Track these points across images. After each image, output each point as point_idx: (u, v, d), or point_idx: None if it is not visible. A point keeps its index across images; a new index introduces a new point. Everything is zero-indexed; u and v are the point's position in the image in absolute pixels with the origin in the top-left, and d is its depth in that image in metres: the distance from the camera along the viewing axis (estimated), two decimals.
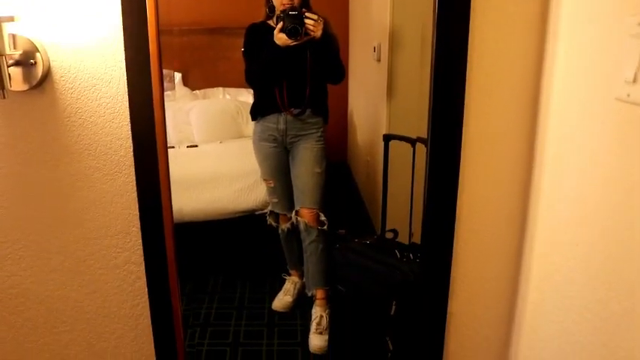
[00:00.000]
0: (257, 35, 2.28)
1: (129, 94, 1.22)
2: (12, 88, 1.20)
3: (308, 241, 2.42)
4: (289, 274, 2.64)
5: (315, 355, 2.23)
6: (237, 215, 2.65)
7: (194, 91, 3.43)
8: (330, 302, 2.39)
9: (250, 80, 2.39)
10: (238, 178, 2.73)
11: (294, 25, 2.11)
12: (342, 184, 3.68)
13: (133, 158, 1.26)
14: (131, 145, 1.26)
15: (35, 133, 1.28)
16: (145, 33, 1.18)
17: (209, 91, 3.63)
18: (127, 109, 1.24)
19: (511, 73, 1.24)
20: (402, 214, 2.21)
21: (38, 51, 1.21)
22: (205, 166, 2.79)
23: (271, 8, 2.23)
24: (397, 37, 2.59)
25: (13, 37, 1.19)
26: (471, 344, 1.48)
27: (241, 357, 2.22)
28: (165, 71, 2.86)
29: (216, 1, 3.78)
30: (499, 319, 1.44)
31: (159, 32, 1.20)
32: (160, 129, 1.24)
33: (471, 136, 1.27)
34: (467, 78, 1.22)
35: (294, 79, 2.32)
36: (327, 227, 2.40)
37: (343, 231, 2.84)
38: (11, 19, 1.14)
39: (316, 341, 2.30)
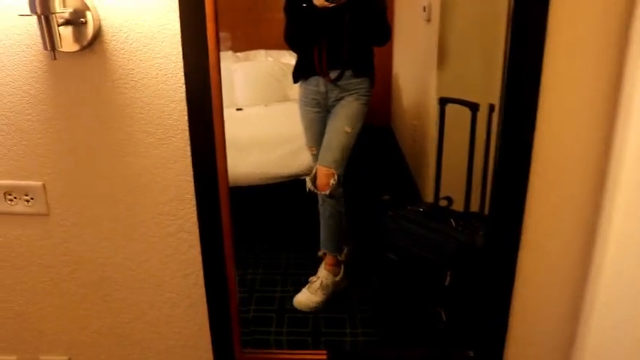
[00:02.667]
0: None
1: (183, 54, 1.15)
2: (62, 49, 1.14)
3: (320, 201, 2.35)
4: None
5: (358, 321, 2.18)
6: (282, 180, 2.60)
7: (236, 53, 3.36)
8: (380, 270, 2.34)
9: (287, 40, 2.30)
10: (283, 142, 2.66)
11: None
12: (386, 148, 3.59)
13: (187, 122, 1.21)
14: (185, 108, 1.20)
15: (86, 96, 1.23)
16: None
17: (251, 53, 3.55)
18: (182, 70, 1.17)
19: (595, 29, 1.13)
20: (454, 180, 2.12)
21: (88, 9, 1.14)
22: (250, 129, 2.72)
23: None
24: None
25: None
26: (536, 319, 1.40)
27: (288, 324, 2.19)
28: None
29: None
30: (568, 295, 1.36)
31: None
32: (216, 91, 1.17)
33: (547, 99, 1.17)
34: (547, 34, 1.12)
35: (333, 42, 2.22)
36: (332, 193, 2.28)
37: (387, 197, 2.77)
38: None
39: (302, 298, 2.27)
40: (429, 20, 2.68)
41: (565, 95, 1.17)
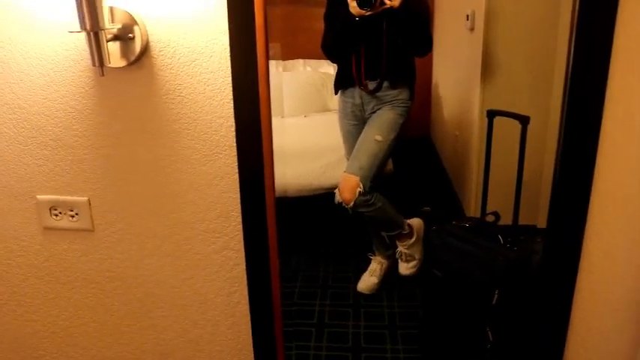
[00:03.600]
0: (339, 1, 2.11)
1: (232, 70, 1.13)
2: (110, 65, 1.13)
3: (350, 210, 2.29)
4: (374, 254, 2.54)
5: (399, 336, 2.13)
6: (321, 192, 2.57)
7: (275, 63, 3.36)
8: (425, 286, 2.30)
9: (324, 48, 2.26)
10: (324, 153, 2.64)
11: None
12: (426, 158, 3.55)
13: (234, 138, 1.18)
14: (233, 124, 1.17)
15: (132, 111, 1.21)
16: (250, 1, 1.08)
17: (289, 62, 3.55)
18: (230, 85, 1.15)
19: None
20: (501, 194, 2.06)
21: (137, 24, 1.13)
22: (290, 140, 2.72)
23: None
24: (495, 4, 2.41)
25: (111, 10, 1.12)
26: (596, 343, 1.34)
27: (327, 339, 2.16)
28: None
29: None
30: (631, 318, 1.29)
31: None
32: (265, 107, 1.14)
33: (611, 112, 1.11)
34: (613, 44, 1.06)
35: (370, 51, 2.18)
36: (357, 203, 2.21)
37: (428, 208, 2.72)
38: None
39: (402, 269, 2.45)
40: (472, 29, 2.63)
41: (631, 107, 1.10)
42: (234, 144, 1.19)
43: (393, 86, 2.23)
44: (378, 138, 2.23)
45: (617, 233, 1.20)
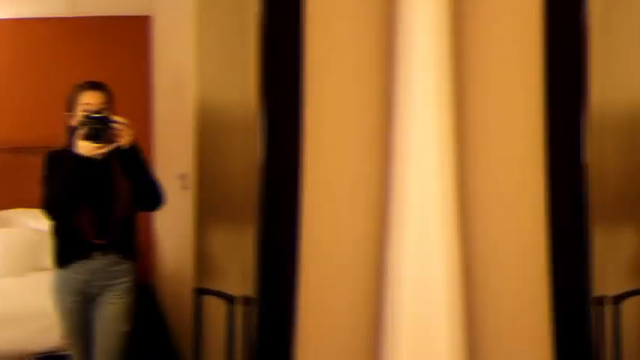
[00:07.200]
0: (58, 161, 1.98)
1: None
2: None
3: None
4: None
5: None
6: (37, 356, 2.48)
7: None
8: None
9: (47, 207, 1.98)
10: (38, 316, 2.49)
11: (97, 127, 1.87)
12: (145, 310, 3.41)
13: None
14: None
15: None
16: None
17: (10, 212, 3.44)
18: None
19: None
20: None
21: None
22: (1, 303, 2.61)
23: (72, 131, 1.95)
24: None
25: None
26: None
27: None
28: None
29: (18, 121, 3.68)
30: None
31: None
32: None
33: None
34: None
35: (99, 205, 2.02)
36: None
37: None
38: None
39: None
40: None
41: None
42: None
43: (123, 255, 2.08)
44: (123, 328, 2.07)
45: None
